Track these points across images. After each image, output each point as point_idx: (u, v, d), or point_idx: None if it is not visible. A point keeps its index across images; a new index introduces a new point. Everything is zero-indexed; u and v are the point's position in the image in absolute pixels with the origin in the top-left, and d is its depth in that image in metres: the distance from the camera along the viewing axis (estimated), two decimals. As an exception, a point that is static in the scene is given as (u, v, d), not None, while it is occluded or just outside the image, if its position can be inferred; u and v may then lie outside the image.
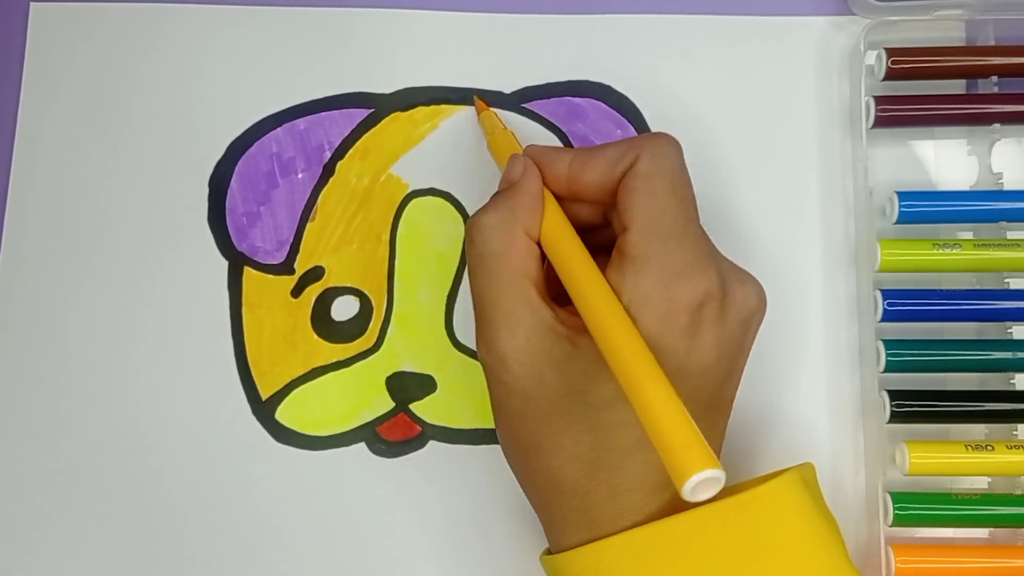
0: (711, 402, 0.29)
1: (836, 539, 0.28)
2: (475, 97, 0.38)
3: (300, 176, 0.38)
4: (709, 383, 0.29)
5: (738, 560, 0.27)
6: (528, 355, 0.28)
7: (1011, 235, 0.36)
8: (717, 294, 0.28)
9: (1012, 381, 0.36)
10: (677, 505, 0.27)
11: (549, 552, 0.31)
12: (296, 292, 0.38)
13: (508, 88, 0.39)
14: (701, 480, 0.22)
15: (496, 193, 0.31)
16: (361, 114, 0.39)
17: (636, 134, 0.39)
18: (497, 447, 0.36)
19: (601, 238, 0.32)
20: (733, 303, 0.29)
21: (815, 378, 0.37)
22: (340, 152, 0.39)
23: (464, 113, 0.39)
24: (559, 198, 0.31)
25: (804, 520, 0.28)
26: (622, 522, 0.28)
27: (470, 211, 0.38)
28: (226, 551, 0.36)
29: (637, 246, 0.28)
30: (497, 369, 0.29)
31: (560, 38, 0.39)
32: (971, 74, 0.38)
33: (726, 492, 0.29)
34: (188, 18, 0.40)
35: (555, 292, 0.30)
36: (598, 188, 0.30)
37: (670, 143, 0.30)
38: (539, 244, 0.30)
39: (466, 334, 0.38)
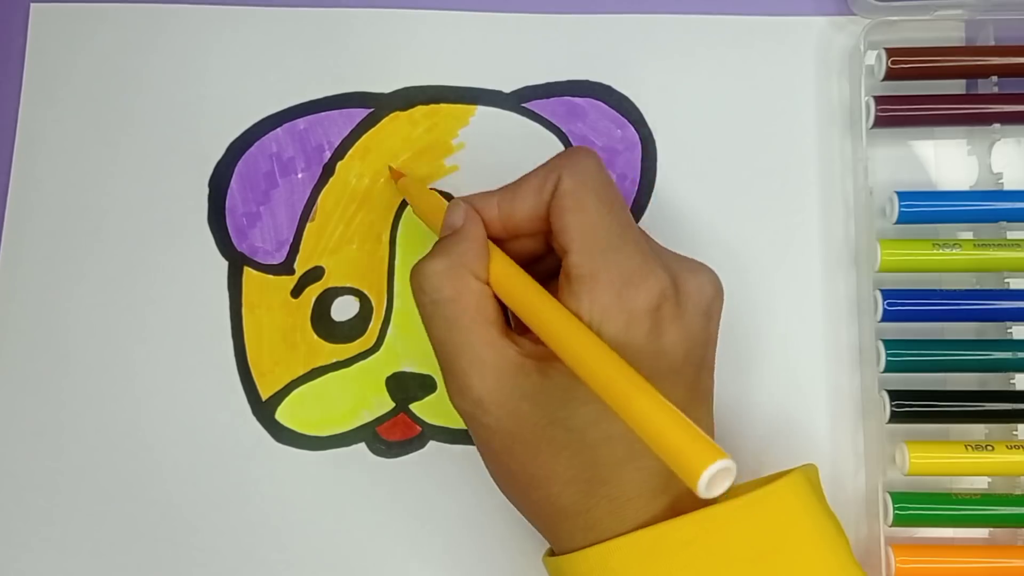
0: (690, 397, 0.29)
1: (842, 539, 0.28)
2: (389, 168, 0.38)
3: (300, 176, 0.38)
4: (684, 379, 0.29)
5: (745, 560, 0.27)
6: (502, 394, 0.28)
7: (1011, 235, 0.36)
8: (671, 291, 0.28)
9: (1012, 381, 0.36)
10: (679, 507, 0.28)
11: (552, 553, 0.31)
12: (296, 292, 0.38)
13: (508, 88, 0.39)
14: (714, 473, 0.21)
15: (438, 241, 0.31)
16: (361, 114, 0.39)
17: (636, 134, 0.39)
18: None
19: (547, 266, 0.32)
20: (689, 296, 0.29)
21: (815, 378, 0.37)
22: (340, 152, 0.39)
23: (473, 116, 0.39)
24: (498, 241, 0.31)
25: (810, 520, 0.28)
26: (624, 530, 0.28)
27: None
28: (226, 551, 0.36)
29: (582, 265, 0.28)
30: (476, 414, 0.29)
31: (560, 38, 0.39)
32: (971, 74, 0.38)
33: (732, 493, 0.28)
34: (188, 18, 0.40)
35: (514, 325, 0.30)
36: (531, 219, 0.30)
37: (587, 155, 0.30)
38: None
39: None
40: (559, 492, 0.28)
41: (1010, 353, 0.35)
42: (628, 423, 0.24)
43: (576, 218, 0.29)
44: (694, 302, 0.29)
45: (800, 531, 0.28)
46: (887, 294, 0.36)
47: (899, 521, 0.34)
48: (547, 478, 0.28)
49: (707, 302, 0.29)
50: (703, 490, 0.22)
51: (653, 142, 0.39)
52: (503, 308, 0.30)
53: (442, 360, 0.30)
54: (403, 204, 0.38)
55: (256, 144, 0.39)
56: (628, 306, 0.28)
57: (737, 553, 0.27)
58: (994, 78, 0.37)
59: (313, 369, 0.37)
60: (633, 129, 0.39)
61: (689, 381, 0.29)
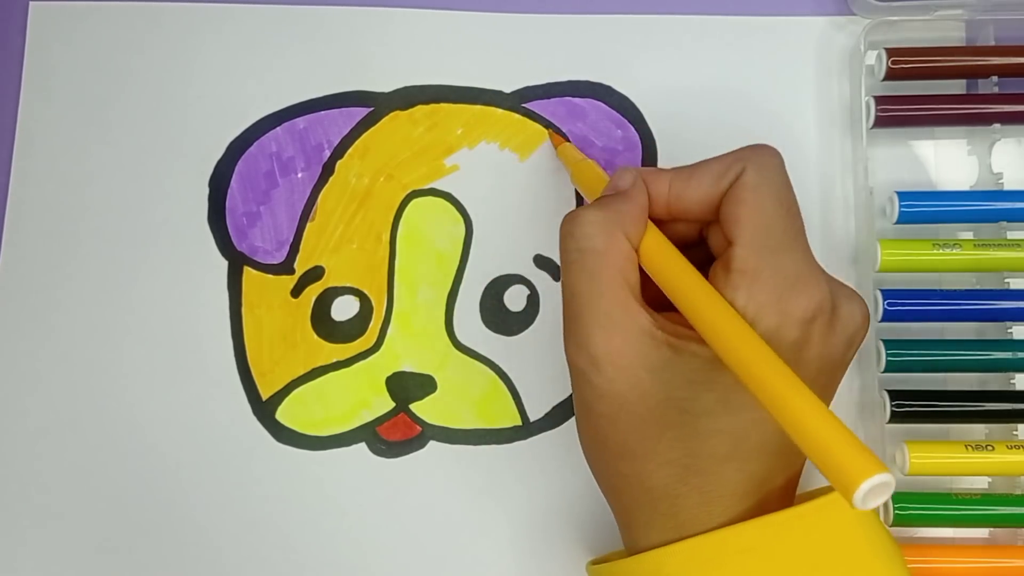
0: None
1: (898, 555, 0.28)
2: (549, 132, 0.38)
3: (300, 176, 0.38)
4: None
5: (802, 570, 0.27)
6: (624, 358, 0.27)
7: (1011, 235, 0.36)
8: (827, 308, 0.28)
9: (1012, 381, 0.36)
10: (764, 503, 0.28)
11: (596, 561, 0.30)
12: (296, 292, 0.38)
13: (508, 88, 0.39)
14: (872, 486, 0.21)
15: (600, 196, 0.30)
16: (360, 113, 0.39)
17: (636, 134, 0.39)
18: (497, 447, 0.37)
19: (691, 257, 0.31)
20: (840, 318, 0.28)
21: (815, 378, 0.37)
22: (339, 151, 0.39)
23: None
24: (657, 221, 0.30)
25: (868, 533, 0.27)
26: (711, 525, 0.27)
27: (470, 211, 0.38)
28: (226, 551, 0.36)
29: (747, 260, 0.27)
30: (588, 371, 0.28)
31: (560, 38, 0.39)
32: (971, 74, 0.38)
33: (798, 499, 0.29)
34: (188, 17, 0.40)
35: (650, 300, 0.30)
36: (700, 204, 0.29)
37: (774, 155, 0.29)
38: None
39: (466, 334, 0.38)
40: (652, 471, 0.28)
41: (1010, 353, 0.35)
42: (783, 423, 0.23)
43: (752, 213, 0.28)
44: (843, 325, 0.28)
45: (858, 544, 0.27)
46: (887, 294, 0.36)
47: (899, 521, 0.34)
48: (644, 454, 0.28)
49: (854, 330, 0.29)
50: (859, 502, 0.21)
51: (653, 142, 0.39)
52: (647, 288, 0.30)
53: (569, 310, 0.29)
54: (403, 204, 0.38)
55: (256, 143, 0.39)
56: (784, 309, 0.27)
57: (794, 563, 0.27)
58: (994, 78, 0.37)
59: (313, 369, 0.37)
60: (633, 129, 0.39)
61: None
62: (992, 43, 0.38)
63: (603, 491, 0.30)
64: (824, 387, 0.29)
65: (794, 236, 0.28)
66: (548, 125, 0.39)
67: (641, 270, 0.29)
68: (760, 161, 0.29)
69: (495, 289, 0.38)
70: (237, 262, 0.38)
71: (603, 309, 0.28)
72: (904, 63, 0.37)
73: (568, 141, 0.38)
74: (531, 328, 0.38)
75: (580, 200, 0.38)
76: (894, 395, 0.35)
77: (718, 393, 0.27)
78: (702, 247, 0.31)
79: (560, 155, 0.37)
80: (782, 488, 0.29)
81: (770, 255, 0.28)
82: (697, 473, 0.27)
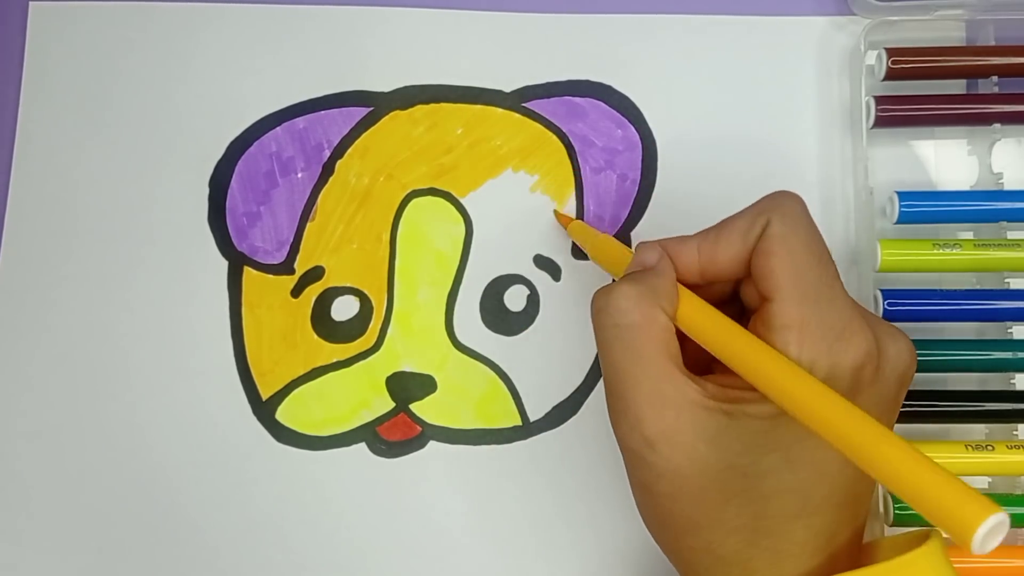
0: None
1: None
2: (556, 212, 0.38)
3: (300, 176, 0.38)
4: None
5: None
6: (680, 434, 0.27)
7: (1011, 235, 0.36)
8: (875, 353, 0.27)
9: (1012, 381, 0.36)
10: (833, 563, 0.27)
11: None
12: (296, 292, 0.38)
13: (508, 87, 0.39)
14: (990, 528, 0.20)
15: (629, 273, 0.30)
16: (360, 112, 0.39)
17: (636, 134, 0.39)
18: (497, 447, 0.37)
19: (726, 313, 0.30)
20: (888, 361, 0.28)
21: (815, 378, 0.37)
22: (339, 151, 0.39)
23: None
24: (690, 287, 0.30)
25: None
26: None
27: (470, 211, 0.38)
28: (226, 551, 0.36)
29: (790, 315, 0.27)
30: (644, 452, 0.27)
31: (560, 37, 0.39)
32: (971, 74, 0.38)
33: (867, 555, 0.28)
34: (188, 17, 0.40)
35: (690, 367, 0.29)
36: (732, 263, 0.29)
37: (796, 201, 0.29)
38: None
39: (466, 334, 0.38)
40: (721, 540, 0.27)
41: (1010, 353, 0.35)
42: (874, 472, 0.22)
43: (785, 265, 0.27)
44: (892, 367, 0.28)
45: None
46: (887, 294, 0.36)
47: (899, 521, 0.34)
48: (710, 525, 0.27)
49: (904, 369, 0.28)
50: (978, 546, 0.20)
51: (653, 142, 0.39)
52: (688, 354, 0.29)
53: (614, 389, 0.28)
54: (403, 204, 0.38)
55: (256, 143, 0.39)
56: (834, 360, 0.26)
57: None
58: (994, 78, 0.37)
59: (313, 369, 0.37)
60: (633, 129, 0.39)
61: None
62: (992, 43, 0.38)
63: (672, 562, 0.30)
64: None
65: (831, 283, 0.28)
66: (548, 125, 0.39)
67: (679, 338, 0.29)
68: (784, 210, 0.28)
69: (495, 289, 0.38)
70: (237, 262, 0.38)
71: (651, 386, 0.27)
72: (904, 63, 0.37)
73: (573, 219, 0.37)
74: (531, 328, 0.38)
75: (580, 203, 0.38)
76: (894, 395, 0.35)
77: (779, 452, 0.27)
78: (734, 303, 0.31)
79: (572, 235, 0.37)
80: (849, 541, 0.28)
81: (812, 306, 0.27)
82: (767, 535, 0.27)
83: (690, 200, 0.38)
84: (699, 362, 0.30)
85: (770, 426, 0.27)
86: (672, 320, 0.28)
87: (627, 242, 0.38)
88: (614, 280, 0.29)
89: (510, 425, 0.37)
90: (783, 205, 0.28)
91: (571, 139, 0.39)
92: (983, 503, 0.20)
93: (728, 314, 0.29)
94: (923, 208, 0.36)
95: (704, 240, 0.29)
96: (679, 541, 0.28)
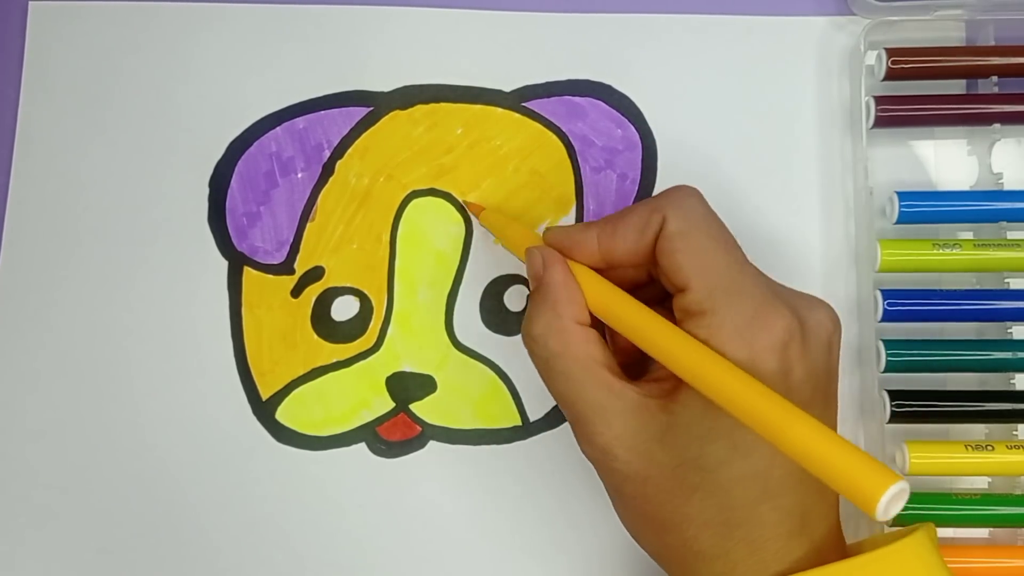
0: None
1: None
2: (464, 202, 0.38)
3: (300, 176, 0.38)
4: (813, 415, 0.27)
5: None
6: (630, 438, 0.28)
7: (1011, 235, 0.36)
8: (796, 328, 0.28)
9: (1012, 381, 0.36)
10: (818, 548, 0.28)
11: None
12: (296, 292, 0.38)
13: (508, 87, 0.39)
14: (891, 496, 0.21)
15: (530, 294, 0.31)
16: (360, 112, 0.39)
17: (636, 134, 0.39)
18: (497, 447, 0.37)
19: (648, 294, 0.31)
20: (811, 332, 0.28)
21: (815, 378, 0.37)
22: (339, 151, 0.38)
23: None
24: (598, 270, 0.31)
25: None
26: (767, 573, 0.27)
27: (470, 211, 0.38)
28: (226, 551, 0.36)
29: (702, 304, 0.28)
30: (605, 461, 0.29)
31: (560, 37, 0.39)
32: (971, 74, 0.38)
33: (854, 547, 0.29)
34: (188, 16, 0.40)
35: (623, 363, 0.30)
36: (631, 255, 0.30)
37: (690, 194, 0.29)
38: (594, 318, 0.30)
39: (466, 334, 0.38)
40: (695, 536, 0.28)
41: (1010, 353, 0.35)
42: (787, 451, 0.23)
43: (690, 259, 0.28)
44: (816, 337, 0.28)
45: None
46: (887, 294, 0.36)
47: (899, 521, 0.34)
48: (681, 522, 0.28)
49: (827, 337, 0.29)
50: (881, 513, 0.21)
51: (653, 142, 0.39)
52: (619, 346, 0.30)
53: (567, 414, 0.30)
54: (403, 203, 0.38)
55: (256, 143, 0.39)
56: (753, 345, 0.27)
57: None
58: (994, 78, 0.37)
59: (313, 369, 0.37)
60: (633, 129, 0.39)
61: (817, 416, 0.28)
62: (992, 43, 0.38)
63: (659, 565, 0.30)
64: (824, 403, 0.29)
65: (739, 269, 0.28)
66: (548, 125, 0.39)
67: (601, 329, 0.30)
68: (678, 204, 0.29)
69: (495, 289, 0.38)
70: (237, 262, 0.38)
71: (592, 401, 0.28)
72: (904, 63, 0.37)
73: (483, 208, 0.37)
74: (531, 328, 0.38)
75: (580, 202, 0.38)
76: (894, 395, 0.35)
77: (723, 440, 0.27)
78: (653, 285, 0.31)
79: (484, 223, 0.37)
80: (829, 528, 0.29)
81: (723, 295, 0.28)
82: (738, 526, 0.27)
83: (690, 200, 0.38)
84: (628, 349, 0.30)
85: (706, 415, 0.27)
86: (586, 322, 0.29)
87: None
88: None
89: (510, 425, 0.37)
90: (677, 200, 0.29)
91: (571, 139, 0.39)
92: (885, 473, 0.22)
93: (647, 296, 0.30)
94: (923, 208, 0.36)
95: (602, 232, 0.30)
96: (658, 541, 0.29)
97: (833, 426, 0.30)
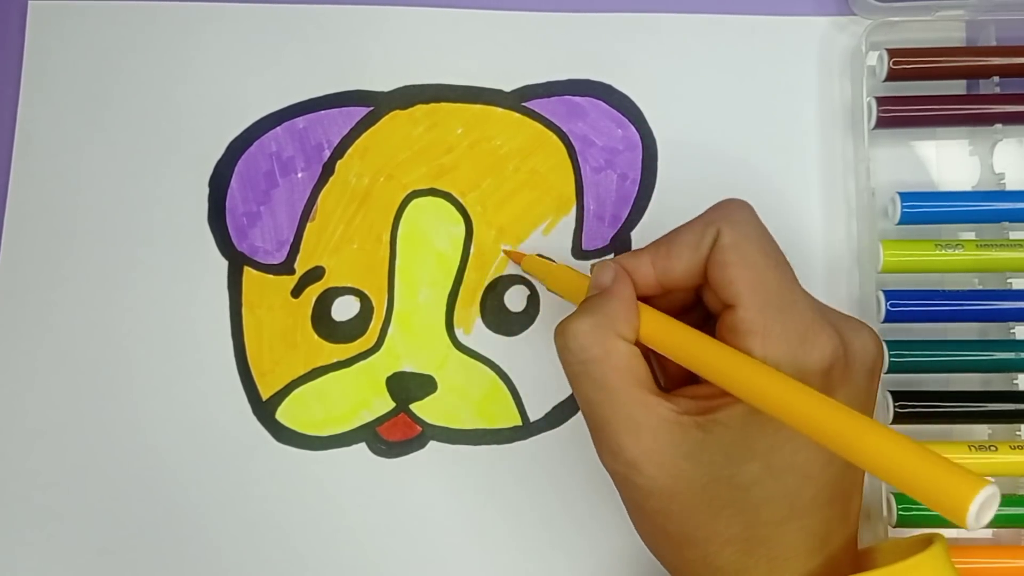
0: None
1: None
2: (504, 251, 0.38)
3: (300, 176, 0.38)
4: None
5: None
6: (659, 454, 0.27)
7: (1013, 235, 0.36)
8: (841, 352, 0.27)
9: (1015, 381, 0.36)
10: (833, 560, 0.27)
11: None
12: (296, 292, 0.38)
13: (508, 86, 0.39)
14: (983, 501, 0.20)
15: (583, 300, 0.30)
16: (360, 112, 0.39)
17: (636, 134, 0.39)
18: (497, 447, 0.37)
19: (691, 319, 0.31)
20: (855, 356, 0.28)
21: (817, 379, 0.37)
22: (339, 151, 0.38)
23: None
24: (649, 299, 0.30)
25: None
26: None
27: (470, 211, 0.38)
28: (226, 551, 0.36)
29: (753, 322, 0.27)
30: (629, 475, 0.28)
31: (561, 36, 0.39)
32: (972, 74, 0.38)
33: (869, 559, 0.29)
34: (187, 16, 0.40)
35: (664, 384, 0.30)
36: (686, 274, 0.29)
37: (743, 207, 0.29)
38: (639, 345, 0.29)
39: (466, 334, 0.37)
40: (717, 551, 0.27)
41: (1013, 353, 0.35)
42: (862, 463, 0.23)
43: (743, 273, 0.28)
44: (861, 361, 0.28)
45: None
46: (890, 295, 0.36)
47: (902, 521, 0.34)
48: (705, 538, 0.27)
49: (872, 362, 0.29)
50: (973, 520, 0.20)
51: (653, 142, 0.39)
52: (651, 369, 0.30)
53: (591, 421, 0.29)
54: (403, 203, 0.38)
55: (256, 143, 0.39)
56: (801, 365, 0.27)
57: None
58: (995, 78, 0.37)
59: (313, 369, 0.37)
60: (633, 129, 0.39)
61: None
62: (993, 43, 0.38)
63: (671, 573, 0.30)
64: None
65: (790, 287, 0.28)
66: (548, 124, 0.38)
67: (647, 353, 0.29)
68: (732, 218, 0.28)
69: (495, 289, 0.38)
70: (237, 262, 0.38)
71: (623, 414, 0.28)
72: (905, 64, 0.37)
73: (524, 256, 0.37)
74: (531, 328, 0.37)
75: (580, 202, 0.38)
76: (897, 396, 0.35)
77: (758, 461, 0.27)
78: (697, 309, 0.31)
79: (527, 269, 0.37)
80: (845, 542, 0.28)
81: (775, 312, 0.27)
82: (761, 543, 0.27)
83: (690, 200, 0.38)
84: (676, 375, 0.30)
85: (745, 435, 0.27)
86: (634, 342, 0.29)
87: (627, 242, 0.38)
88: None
89: (510, 425, 0.37)
90: (732, 213, 0.29)
91: (571, 139, 0.38)
92: (972, 479, 0.20)
93: (692, 320, 0.29)
94: (925, 209, 0.36)
95: (656, 254, 0.30)
96: (676, 555, 0.29)
97: None
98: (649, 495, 0.28)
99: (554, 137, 0.38)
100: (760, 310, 0.27)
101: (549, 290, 0.37)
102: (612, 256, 0.37)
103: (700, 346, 0.27)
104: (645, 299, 0.30)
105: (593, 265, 0.31)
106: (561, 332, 0.29)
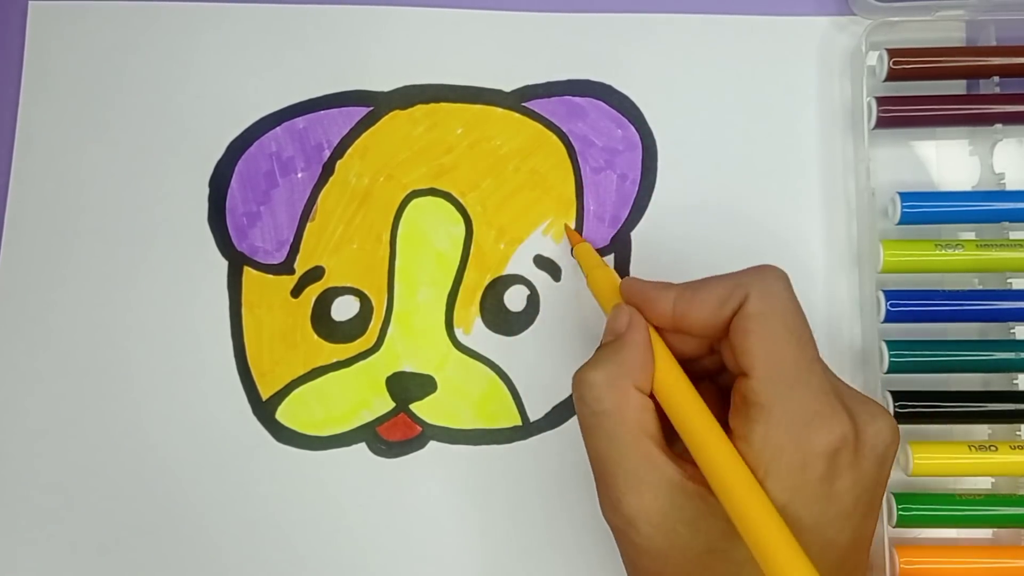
0: (853, 541, 0.28)
1: None
2: (566, 226, 0.38)
3: (300, 176, 0.38)
4: (851, 524, 0.27)
5: None
6: (658, 515, 0.27)
7: (1013, 235, 0.36)
8: (851, 437, 0.27)
9: (1015, 381, 0.36)
10: None
11: None
12: (296, 292, 0.38)
13: (508, 87, 0.39)
14: None
15: (601, 346, 0.30)
16: (360, 112, 0.39)
17: (636, 134, 0.39)
18: (497, 447, 0.37)
19: (704, 366, 0.31)
20: (867, 442, 0.27)
21: (817, 379, 0.37)
22: (339, 151, 0.38)
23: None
24: (662, 331, 0.30)
25: None
26: None
27: (470, 211, 0.38)
28: (226, 551, 0.36)
29: (762, 394, 0.27)
30: (627, 531, 0.28)
31: (561, 37, 0.39)
32: (972, 74, 0.38)
33: None
34: (187, 16, 0.40)
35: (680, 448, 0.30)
36: (704, 326, 0.29)
37: (778, 277, 0.29)
38: (652, 396, 0.29)
39: (466, 334, 0.37)
40: None
41: (1013, 353, 0.35)
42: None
43: (762, 344, 0.27)
44: (871, 447, 0.27)
45: None
46: (890, 295, 0.36)
47: (903, 522, 0.34)
48: None
49: (884, 449, 0.28)
50: None
51: (653, 142, 0.39)
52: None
53: (597, 471, 0.29)
54: (403, 203, 0.38)
55: (256, 143, 0.39)
56: (805, 447, 0.26)
57: None
58: (995, 78, 0.37)
59: (313, 369, 0.37)
60: (633, 129, 0.39)
61: (856, 525, 0.28)
62: (993, 43, 0.38)
63: None
64: (865, 513, 0.28)
65: (808, 366, 0.28)
66: (548, 125, 0.38)
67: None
68: (764, 287, 0.28)
69: (495, 289, 0.38)
70: (237, 262, 0.38)
71: (629, 469, 0.27)
72: (905, 64, 0.37)
73: (584, 241, 0.37)
74: (531, 328, 0.37)
75: (580, 202, 0.38)
76: (897, 396, 0.35)
77: None
78: (712, 356, 0.31)
79: (577, 256, 0.37)
80: None
81: (786, 389, 0.27)
82: None
83: (690, 200, 0.38)
84: None
85: None
86: (647, 393, 0.29)
87: (627, 242, 0.38)
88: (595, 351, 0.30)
89: (510, 425, 0.37)
90: (764, 281, 0.28)
91: (571, 139, 0.38)
92: None
93: (707, 368, 0.29)
94: (925, 209, 0.36)
95: (681, 297, 0.29)
96: None
97: (871, 535, 0.29)
98: (644, 553, 0.28)
99: (554, 137, 0.38)
100: (771, 384, 0.27)
101: (587, 286, 0.36)
102: (613, 255, 0.37)
103: (692, 417, 0.28)
104: (660, 330, 0.30)
105: (613, 308, 0.31)
106: (577, 382, 0.29)
